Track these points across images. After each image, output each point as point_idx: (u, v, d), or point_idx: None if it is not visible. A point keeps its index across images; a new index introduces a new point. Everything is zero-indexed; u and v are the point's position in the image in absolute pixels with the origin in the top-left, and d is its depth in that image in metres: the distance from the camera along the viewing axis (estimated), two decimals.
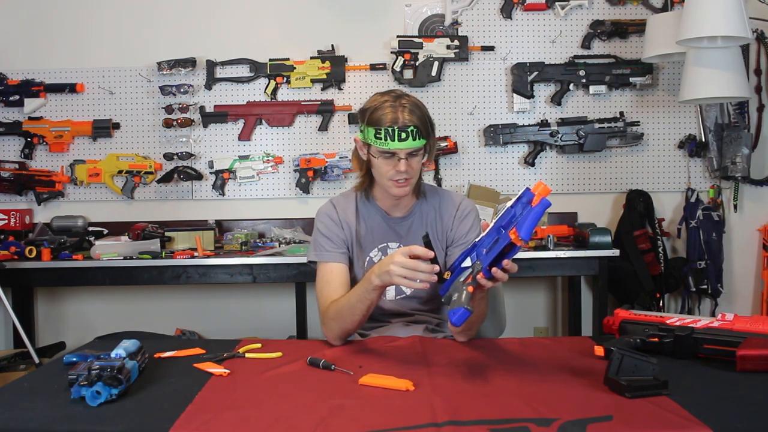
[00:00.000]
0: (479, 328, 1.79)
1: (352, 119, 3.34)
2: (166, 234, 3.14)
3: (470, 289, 1.39)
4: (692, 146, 3.34)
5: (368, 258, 1.86)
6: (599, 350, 1.49)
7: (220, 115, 3.39)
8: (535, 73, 3.33)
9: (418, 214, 1.88)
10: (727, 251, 3.33)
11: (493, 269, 1.38)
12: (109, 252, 2.95)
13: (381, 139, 1.71)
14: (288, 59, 3.36)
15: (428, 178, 3.34)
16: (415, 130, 1.71)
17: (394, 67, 3.32)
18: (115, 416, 1.19)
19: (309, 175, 3.35)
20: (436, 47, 3.32)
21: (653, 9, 3.33)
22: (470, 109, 3.38)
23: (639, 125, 3.34)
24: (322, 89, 3.38)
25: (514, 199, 1.36)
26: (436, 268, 1.47)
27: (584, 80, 3.32)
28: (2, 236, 3.19)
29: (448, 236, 1.86)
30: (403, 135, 1.70)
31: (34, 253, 2.95)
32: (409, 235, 1.85)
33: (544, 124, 3.33)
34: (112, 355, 1.34)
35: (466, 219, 1.86)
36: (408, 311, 1.87)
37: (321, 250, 1.82)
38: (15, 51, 3.41)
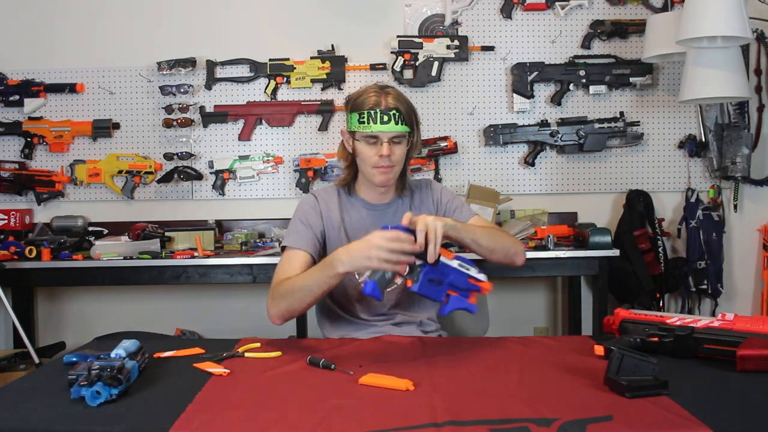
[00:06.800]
0: (464, 328, 1.94)
1: None
2: (166, 234, 3.13)
3: (408, 282, 1.51)
4: (692, 146, 3.34)
5: None
6: (599, 350, 1.49)
7: (220, 115, 3.39)
8: (535, 73, 3.33)
9: (401, 201, 1.89)
10: (727, 251, 3.33)
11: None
12: (109, 252, 2.94)
13: (364, 122, 1.74)
14: (288, 59, 3.36)
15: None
16: (397, 114, 1.74)
17: (394, 67, 3.32)
18: (115, 416, 1.19)
19: (309, 175, 3.35)
20: (436, 47, 3.32)
21: (653, 9, 3.32)
22: (470, 109, 3.38)
23: (639, 125, 3.33)
24: (322, 89, 3.38)
25: (472, 268, 1.54)
26: (419, 247, 1.50)
27: (584, 80, 3.31)
28: (2, 236, 3.19)
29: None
30: (386, 118, 1.73)
31: (34, 253, 2.95)
32: (394, 222, 1.85)
33: (544, 124, 3.33)
34: (112, 355, 1.34)
35: (451, 203, 1.91)
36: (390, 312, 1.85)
37: (295, 236, 1.82)
38: (15, 51, 3.41)
